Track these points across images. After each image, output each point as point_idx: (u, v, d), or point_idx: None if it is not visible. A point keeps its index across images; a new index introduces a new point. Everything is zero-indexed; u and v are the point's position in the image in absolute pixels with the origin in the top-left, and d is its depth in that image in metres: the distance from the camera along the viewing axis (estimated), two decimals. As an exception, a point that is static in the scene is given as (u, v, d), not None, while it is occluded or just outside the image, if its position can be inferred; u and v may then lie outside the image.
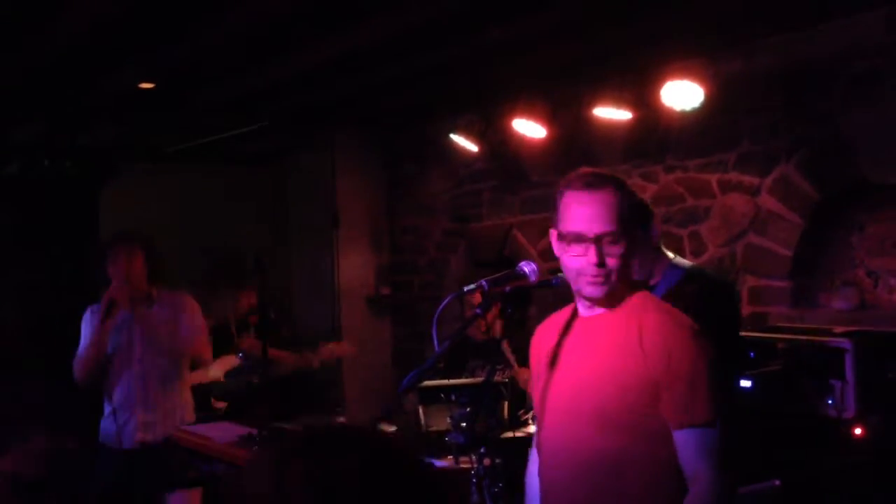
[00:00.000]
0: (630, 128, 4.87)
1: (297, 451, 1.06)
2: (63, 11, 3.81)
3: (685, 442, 2.04)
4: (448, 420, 3.57)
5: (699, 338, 2.10)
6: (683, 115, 4.42)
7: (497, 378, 4.10)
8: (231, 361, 5.56)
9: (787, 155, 4.43)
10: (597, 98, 4.70)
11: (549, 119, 5.11)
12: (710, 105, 4.32)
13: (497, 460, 2.98)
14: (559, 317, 2.33)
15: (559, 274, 2.36)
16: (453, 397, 3.71)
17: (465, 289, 2.36)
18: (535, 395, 2.35)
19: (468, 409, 3.51)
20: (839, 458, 3.31)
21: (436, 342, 2.33)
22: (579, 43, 4.50)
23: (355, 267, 7.09)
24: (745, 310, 4.58)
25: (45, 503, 2.39)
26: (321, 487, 1.01)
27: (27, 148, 6.20)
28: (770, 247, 4.52)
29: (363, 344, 6.99)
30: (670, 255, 3.01)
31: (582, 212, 2.11)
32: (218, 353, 4.94)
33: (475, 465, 2.87)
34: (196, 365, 4.44)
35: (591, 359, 2.17)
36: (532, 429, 3.09)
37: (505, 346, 4.22)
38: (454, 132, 5.56)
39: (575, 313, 2.28)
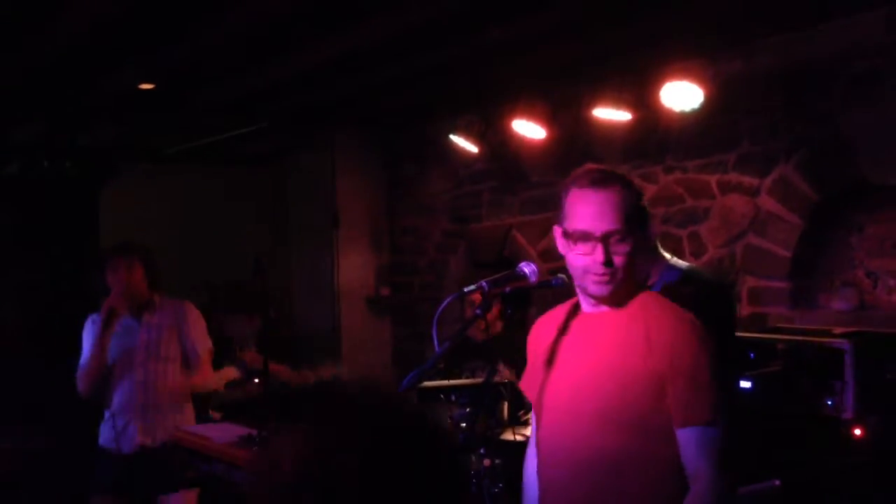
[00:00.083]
0: (630, 128, 4.87)
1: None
2: (63, 11, 3.81)
3: (687, 440, 2.04)
4: (448, 420, 3.58)
5: (705, 337, 2.10)
6: (683, 115, 4.42)
7: (497, 379, 4.10)
8: (231, 373, 5.58)
9: (786, 155, 4.43)
10: (597, 99, 4.70)
11: (548, 120, 5.11)
12: (710, 106, 4.32)
13: (497, 461, 2.98)
14: (559, 312, 2.32)
15: (559, 274, 2.36)
16: (453, 398, 3.71)
17: (465, 289, 2.36)
18: (531, 392, 2.35)
19: (468, 410, 3.52)
20: (839, 459, 3.32)
21: (436, 343, 2.33)
22: (579, 43, 4.50)
23: (355, 267, 7.09)
24: (745, 310, 4.58)
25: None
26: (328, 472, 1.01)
27: (27, 148, 6.21)
28: (769, 247, 4.52)
29: (363, 344, 7.00)
30: (667, 255, 3.01)
31: (588, 210, 2.10)
32: (219, 365, 4.94)
33: (475, 466, 2.88)
34: (197, 372, 4.41)
35: (592, 356, 2.17)
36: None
37: (501, 367, 4.20)
38: (454, 133, 5.56)
39: (575, 309, 2.27)
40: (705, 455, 2.02)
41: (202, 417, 4.65)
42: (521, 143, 5.43)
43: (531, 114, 5.05)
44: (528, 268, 2.33)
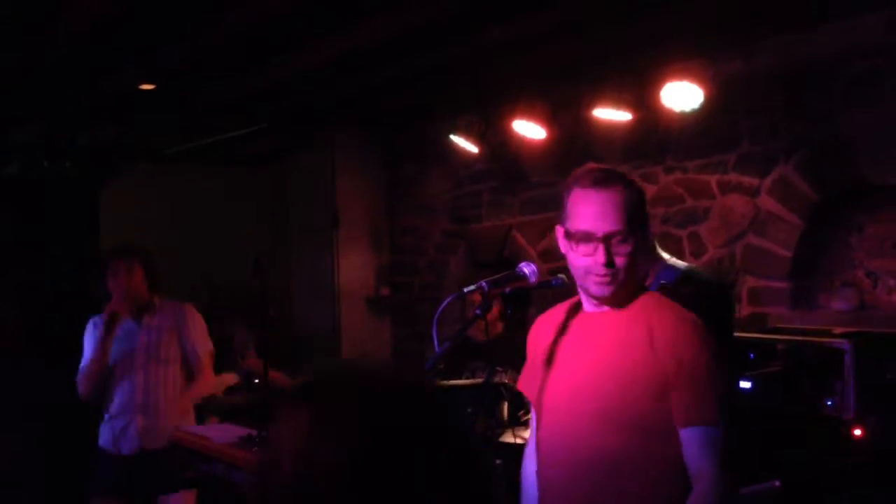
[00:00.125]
0: (630, 129, 4.87)
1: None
2: (63, 11, 3.81)
3: (690, 440, 2.04)
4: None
5: (707, 338, 2.10)
6: (683, 115, 4.42)
7: (497, 379, 4.10)
8: (230, 379, 5.59)
9: (786, 156, 4.43)
10: (597, 99, 4.69)
11: (548, 120, 5.11)
12: (710, 106, 4.32)
13: (497, 461, 2.97)
14: (559, 311, 2.32)
15: (559, 275, 2.35)
16: (453, 398, 3.71)
17: (465, 290, 2.36)
18: (531, 391, 2.34)
19: (468, 411, 3.51)
20: (839, 459, 3.32)
21: (436, 343, 2.33)
22: (579, 43, 4.50)
23: (355, 267, 7.09)
24: (745, 311, 4.58)
25: None
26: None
27: (27, 148, 6.20)
28: (769, 248, 4.52)
29: (363, 344, 6.99)
30: (665, 255, 3.01)
31: (590, 210, 2.10)
32: (218, 370, 4.93)
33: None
34: (199, 377, 4.39)
35: (592, 356, 2.17)
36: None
37: (510, 379, 4.18)
38: (454, 133, 5.56)
39: (576, 308, 2.27)
40: (708, 455, 2.02)
41: (200, 422, 4.65)
42: (521, 143, 5.43)
43: (531, 114, 5.05)
44: (527, 268, 2.32)
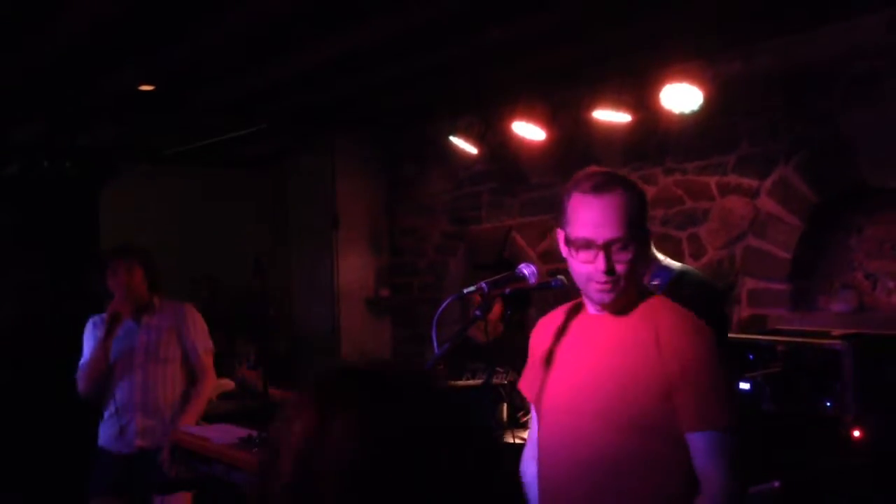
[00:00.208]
0: (629, 130, 4.88)
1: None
2: (63, 11, 3.81)
3: (700, 444, 2.03)
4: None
5: (715, 342, 2.09)
6: (683, 117, 4.42)
7: (496, 380, 4.10)
8: (226, 385, 5.59)
9: (786, 157, 4.43)
10: (596, 100, 4.70)
11: (548, 121, 5.11)
12: (710, 107, 4.32)
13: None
14: (561, 313, 2.32)
15: (559, 276, 2.35)
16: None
17: (465, 291, 2.36)
18: (531, 392, 2.35)
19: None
20: (838, 460, 3.32)
21: (435, 344, 2.33)
22: (579, 44, 4.50)
23: (355, 268, 7.08)
24: (745, 312, 4.58)
25: None
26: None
27: (27, 148, 6.21)
28: (769, 249, 4.52)
29: (363, 345, 6.98)
30: (659, 256, 3.01)
31: (590, 217, 2.08)
32: (217, 375, 4.93)
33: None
34: (201, 378, 4.38)
35: (593, 357, 2.16)
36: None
37: (510, 380, 4.18)
38: (454, 134, 5.56)
39: (578, 310, 2.27)
40: (719, 460, 2.02)
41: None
42: (521, 144, 5.43)
43: (531, 115, 5.05)
44: (527, 269, 2.32)
